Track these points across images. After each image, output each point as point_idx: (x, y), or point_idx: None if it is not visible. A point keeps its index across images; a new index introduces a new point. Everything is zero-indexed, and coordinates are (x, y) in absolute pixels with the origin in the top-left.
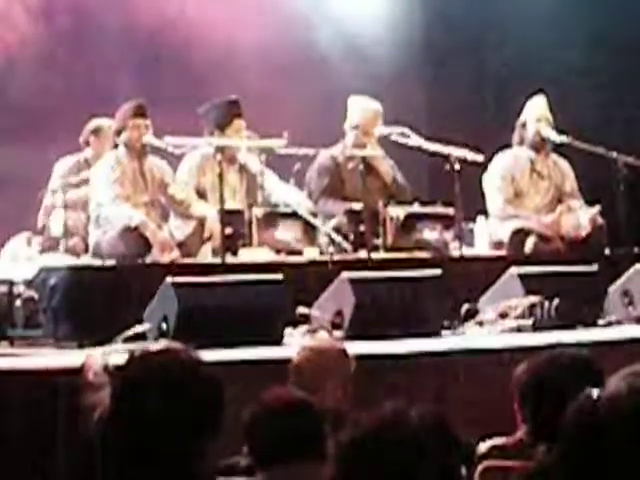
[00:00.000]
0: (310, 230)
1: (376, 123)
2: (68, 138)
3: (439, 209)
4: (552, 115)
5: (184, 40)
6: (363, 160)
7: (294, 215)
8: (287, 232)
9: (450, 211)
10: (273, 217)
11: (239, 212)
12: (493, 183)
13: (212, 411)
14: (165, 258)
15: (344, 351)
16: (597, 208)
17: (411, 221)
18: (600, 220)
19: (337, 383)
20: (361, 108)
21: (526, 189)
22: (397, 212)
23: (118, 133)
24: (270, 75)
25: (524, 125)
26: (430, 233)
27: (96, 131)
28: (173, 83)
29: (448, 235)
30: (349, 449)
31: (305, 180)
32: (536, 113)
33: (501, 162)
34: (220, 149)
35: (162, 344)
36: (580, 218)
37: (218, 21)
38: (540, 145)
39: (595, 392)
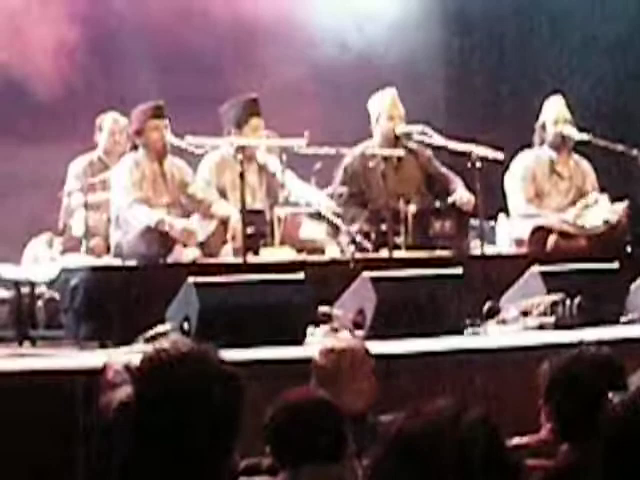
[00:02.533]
0: (332, 230)
1: (397, 105)
2: (90, 139)
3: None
4: (571, 113)
5: (205, 38)
6: (385, 159)
7: (316, 215)
8: (310, 231)
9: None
10: (297, 216)
11: (261, 212)
12: (514, 183)
13: (233, 410)
14: (185, 255)
15: (366, 350)
16: (625, 203)
17: (424, 217)
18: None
19: (359, 383)
20: (378, 99)
21: (547, 190)
22: (413, 209)
23: (137, 134)
24: (294, 72)
25: (543, 127)
26: (444, 228)
27: (100, 127)
28: (194, 81)
29: (463, 230)
30: (399, 443)
31: (332, 179)
32: (554, 114)
33: (523, 162)
34: (240, 148)
35: (179, 342)
36: (602, 206)
37: (241, 15)
38: (561, 145)
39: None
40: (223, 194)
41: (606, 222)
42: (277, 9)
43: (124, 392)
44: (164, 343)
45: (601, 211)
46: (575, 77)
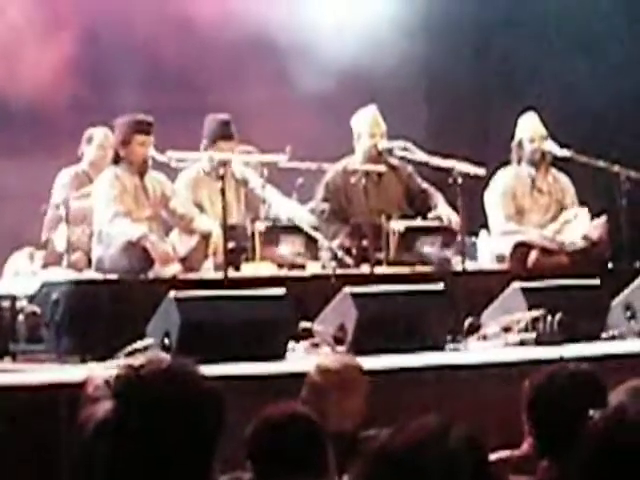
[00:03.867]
0: (313, 245)
1: (378, 123)
2: (72, 152)
3: (439, 223)
4: (546, 128)
5: (190, 52)
6: (367, 174)
7: (297, 229)
8: (290, 247)
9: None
10: (275, 231)
11: (242, 227)
12: (493, 200)
13: (213, 425)
14: (166, 271)
15: (360, 369)
16: (604, 218)
17: (411, 235)
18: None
19: (349, 403)
20: (359, 117)
21: (528, 206)
22: (398, 226)
23: (122, 144)
24: (275, 85)
25: (520, 144)
26: (430, 247)
27: (90, 139)
28: (176, 94)
29: (448, 249)
30: (383, 460)
31: (314, 195)
32: (529, 132)
33: (502, 179)
34: (220, 163)
35: (158, 357)
36: (581, 220)
37: (226, 31)
38: (540, 161)
39: (624, 406)
40: (200, 210)
41: (585, 237)
42: (261, 25)
43: (105, 407)
44: (143, 358)
45: (580, 226)
46: (559, 91)
